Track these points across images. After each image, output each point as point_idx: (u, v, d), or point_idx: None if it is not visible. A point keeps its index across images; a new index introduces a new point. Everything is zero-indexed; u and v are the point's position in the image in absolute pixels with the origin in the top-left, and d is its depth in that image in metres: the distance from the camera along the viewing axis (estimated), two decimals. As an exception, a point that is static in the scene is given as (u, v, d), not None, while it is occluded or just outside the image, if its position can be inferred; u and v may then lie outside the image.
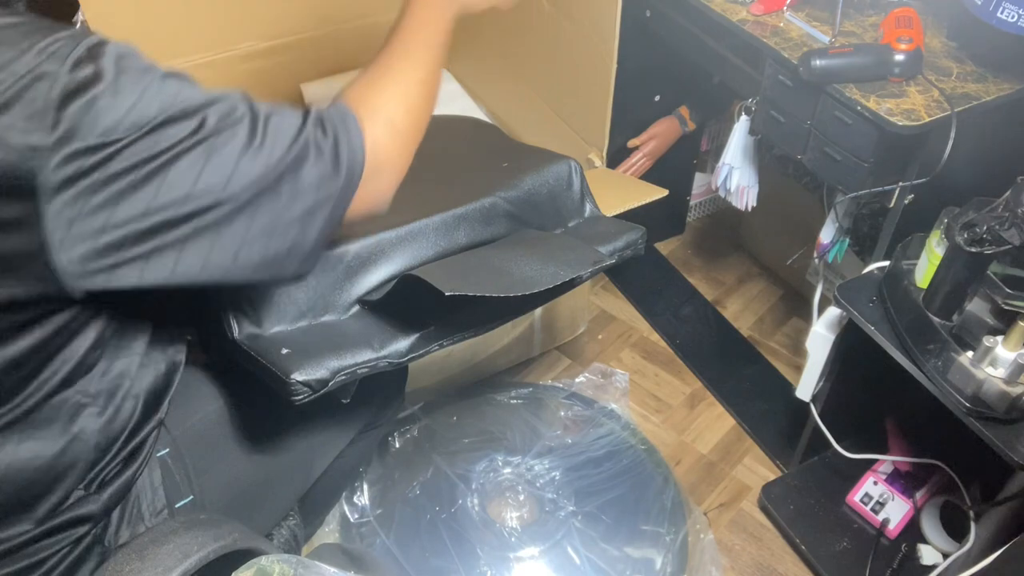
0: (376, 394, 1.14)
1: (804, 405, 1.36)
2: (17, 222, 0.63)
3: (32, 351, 0.72)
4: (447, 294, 0.85)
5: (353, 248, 0.95)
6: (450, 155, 1.32)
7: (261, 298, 0.90)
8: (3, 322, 0.69)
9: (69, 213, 0.63)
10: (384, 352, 0.92)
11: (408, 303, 0.94)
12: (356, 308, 0.97)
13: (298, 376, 0.85)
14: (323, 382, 0.86)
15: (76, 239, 0.64)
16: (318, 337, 0.91)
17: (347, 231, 0.93)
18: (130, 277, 0.67)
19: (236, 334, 0.90)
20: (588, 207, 1.18)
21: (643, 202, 1.32)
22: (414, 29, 0.88)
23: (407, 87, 0.84)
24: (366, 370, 0.91)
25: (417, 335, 0.94)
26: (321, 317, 0.95)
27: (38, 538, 0.78)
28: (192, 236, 0.68)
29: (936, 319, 1.05)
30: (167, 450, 0.90)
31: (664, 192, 1.39)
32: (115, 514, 0.85)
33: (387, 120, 0.80)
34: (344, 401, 0.94)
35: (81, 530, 0.81)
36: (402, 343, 0.94)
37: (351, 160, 0.76)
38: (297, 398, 0.86)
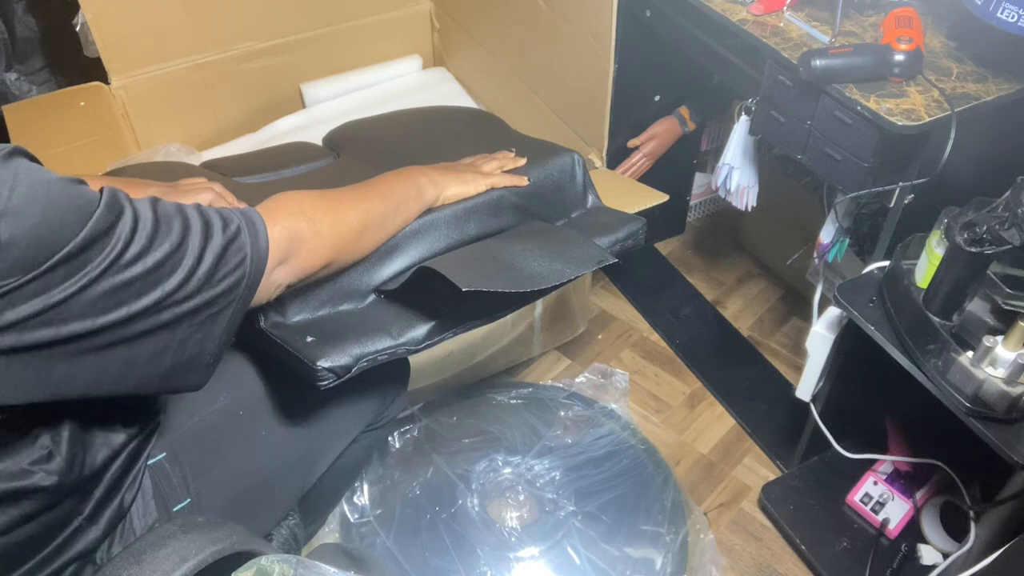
0: (378, 393, 1.14)
1: (804, 405, 1.36)
2: None
3: None
4: (464, 290, 0.88)
5: None
6: (458, 146, 1.34)
7: None
8: None
9: None
10: (402, 339, 0.96)
11: (423, 293, 0.98)
12: (373, 297, 1.01)
13: (323, 363, 0.89)
14: (347, 368, 0.91)
15: None
16: (339, 325, 0.96)
17: None
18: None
19: (263, 323, 0.93)
20: (590, 198, 1.22)
21: (643, 207, 1.33)
22: (393, 188, 0.97)
23: (349, 215, 0.89)
24: (385, 356, 0.95)
25: (433, 323, 0.98)
26: (340, 306, 0.98)
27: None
28: None
29: (936, 319, 1.05)
30: (163, 454, 0.89)
31: (664, 198, 1.39)
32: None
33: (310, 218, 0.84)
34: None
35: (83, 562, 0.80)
36: (419, 330, 0.97)
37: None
38: (323, 383, 0.90)
